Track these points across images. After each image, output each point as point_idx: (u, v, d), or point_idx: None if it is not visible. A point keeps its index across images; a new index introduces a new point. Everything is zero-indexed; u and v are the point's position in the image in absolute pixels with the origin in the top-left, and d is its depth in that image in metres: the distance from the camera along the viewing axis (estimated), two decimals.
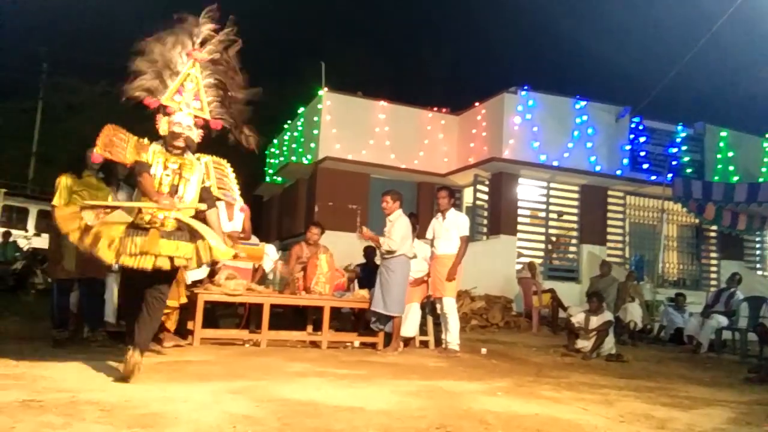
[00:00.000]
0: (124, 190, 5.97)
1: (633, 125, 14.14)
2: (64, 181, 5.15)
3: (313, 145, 14.21)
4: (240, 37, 4.25)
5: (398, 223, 6.39)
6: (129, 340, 3.87)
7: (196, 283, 6.03)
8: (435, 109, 15.00)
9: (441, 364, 5.85)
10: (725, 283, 10.34)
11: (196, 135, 4.05)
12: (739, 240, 14.59)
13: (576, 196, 13.87)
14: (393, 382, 4.40)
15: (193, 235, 3.83)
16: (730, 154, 14.94)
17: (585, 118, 13.62)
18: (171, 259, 3.74)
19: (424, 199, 14.18)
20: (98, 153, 3.87)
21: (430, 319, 7.32)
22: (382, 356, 6.10)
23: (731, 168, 14.84)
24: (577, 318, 7.60)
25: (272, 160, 18.98)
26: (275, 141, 18.68)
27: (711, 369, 6.96)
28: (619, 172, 13.76)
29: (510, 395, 4.18)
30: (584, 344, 7.32)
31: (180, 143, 3.97)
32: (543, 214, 13.85)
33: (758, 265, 15.75)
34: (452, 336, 6.58)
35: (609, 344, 7.33)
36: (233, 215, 6.37)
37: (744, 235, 13.85)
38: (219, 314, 6.93)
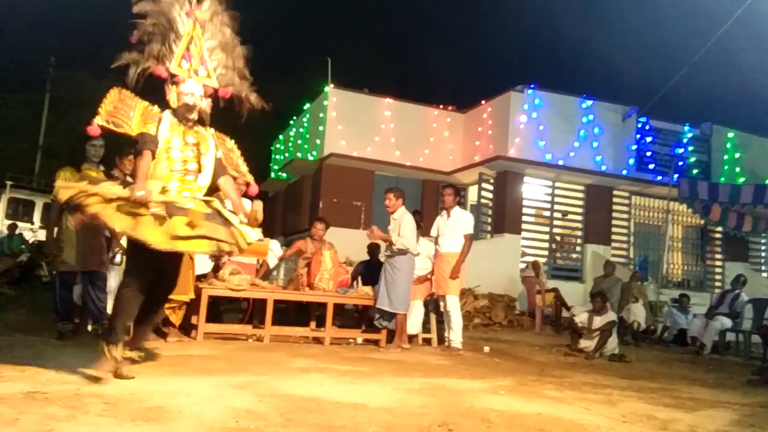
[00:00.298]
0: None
1: (639, 125, 14.07)
2: (62, 175, 5.17)
3: (318, 141, 14.22)
4: (246, 26, 4.02)
5: (405, 220, 6.42)
6: (116, 337, 3.50)
7: (200, 278, 6.06)
8: (441, 106, 14.97)
9: (444, 361, 5.85)
10: (730, 284, 10.29)
11: (208, 106, 3.73)
12: (745, 241, 14.52)
13: (581, 195, 13.83)
14: (395, 380, 4.41)
15: (225, 222, 3.45)
16: (737, 155, 14.85)
17: (591, 117, 13.56)
18: (217, 243, 3.35)
19: (428, 197, 14.17)
20: (98, 123, 3.42)
21: (433, 317, 7.32)
22: (385, 353, 6.11)
23: (738, 169, 14.76)
24: (581, 318, 7.59)
25: (277, 156, 19.00)
26: (281, 137, 18.69)
27: (714, 370, 6.94)
28: (624, 172, 13.70)
29: (512, 394, 4.18)
30: (587, 344, 7.31)
31: (193, 115, 3.64)
32: (548, 214, 13.81)
33: (763, 267, 15.68)
34: (455, 334, 6.58)
35: (612, 344, 7.32)
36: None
37: (749, 237, 13.79)
38: (223, 309, 6.95)
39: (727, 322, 9.00)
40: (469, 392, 4.12)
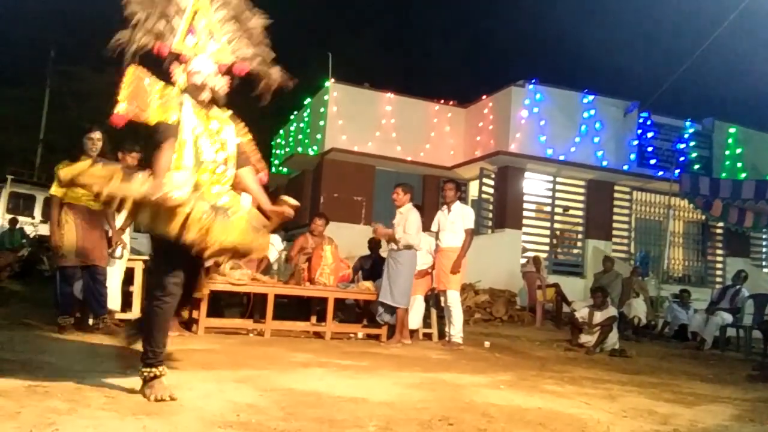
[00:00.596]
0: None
1: (641, 120, 14.05)
2: (61, 169, 5.17)
3: (319, 136, 14.21)
4: None
5: (411, 216, 6.44)
6: (158, 357, 3.04)
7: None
8: (442, 101, 14.96)
9: (444, 356, 5.85)
10: (731, 280, 10.29)
11: (223, 84, 3.22)
12: (746, 237, 14.51)
13: (582, 190, 13.82)
14: (396, 374, 4.41)
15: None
16: (739, 150, 14.83)
17: (593, 112, 13.54)
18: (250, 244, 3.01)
19: (429, 192, 14.16)
20: (122, 111, 2.99)
21: (433, 312, 7.33)
22: (386, 348, 6.12)
23: (739, 165, 14.74)
24: (581, 313, 7.59)
25: (278, 151, 18.99)
26: (281, 131, 18.67)
27: (715, 366, 6.94)
28: (626, 168, 13.69)
29: (513, 389, 4.18)
30: (588, 339, 7.32)
31: (205, 95, 3.14)
32: (549, 209, 13.81)
33: (764, 263, 15.69)
34: (456, 329, 6.58)
35: (613, 339, 7.32)
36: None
37: (750, 233, 13.76)
38: (224, 304, 6.96)
39: (728, 318, 9.00)
40: (469, 387, 4.13)
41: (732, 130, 14.96)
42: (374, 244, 8.11)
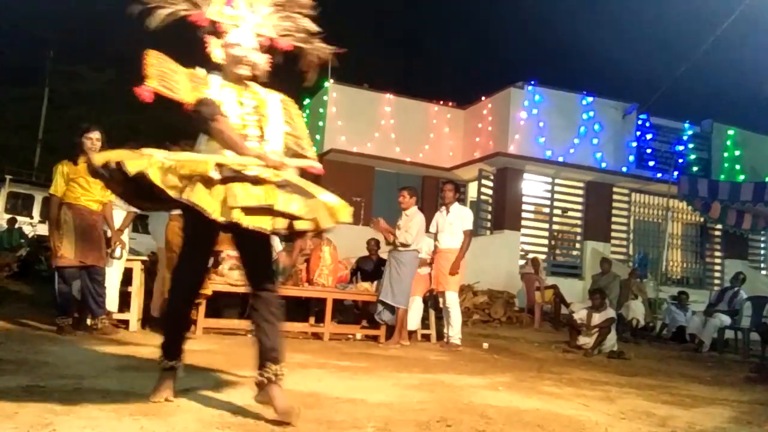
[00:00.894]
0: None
1: (640, 122, 14.05)
2: (59, 169, 5.18)
3: (318, 137, 14.20)
4: None
5: (416, 218, 6.47)
6: (176, 354, 2.96)
7: None
8: (441, 102, 14.96)
9: (442, 357, 5.85)
10: (729, 282, 10.32)
11: (264, 60, 2.95)
12: (744, 239, 14.53)
13: (581, 192, 13.84)
14: (394, 375, 4.41)
15: (303, 193, 2.66)
16: (737, 152, 14.84)
17: (591, 114, 13.55)
18: (291, 219, 2.58)
19: (428, 193, 14.16)
20: (150, 87, 2.61)
21: (432, 313, 7.33)
22: (384, 349, 6.12)
23: (738, 167, 14.74)
24: (580, 314, 7.60)
25: None
26: None
27: (713, 368, 6.95)
28: (624, 169, 13.69)
29: (511, 390, 4.18)
30: (586, 341, 7.32)
31: (245, 70, 2.87)
32: (547, 210, 13.82)
33: (762, 265, 15.71)
34: (454, 330, 6.59)
35: (611, 341, 7.32)
36: None
37: (749, 235, 13.79)
38: (222, 304, 6.95)
39: (726, 320, 9.01)
40: (467, 388, 4.13)
41: (731, 132, 14.97)
42: (373, 245, 8.11)
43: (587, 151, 13.40)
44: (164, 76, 2.68)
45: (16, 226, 13.24)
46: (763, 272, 15.35)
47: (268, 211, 2.52)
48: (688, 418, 3.75)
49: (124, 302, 5.93)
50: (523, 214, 13.34)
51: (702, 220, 13.50)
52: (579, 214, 13.90)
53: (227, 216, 2.46)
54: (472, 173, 13.89)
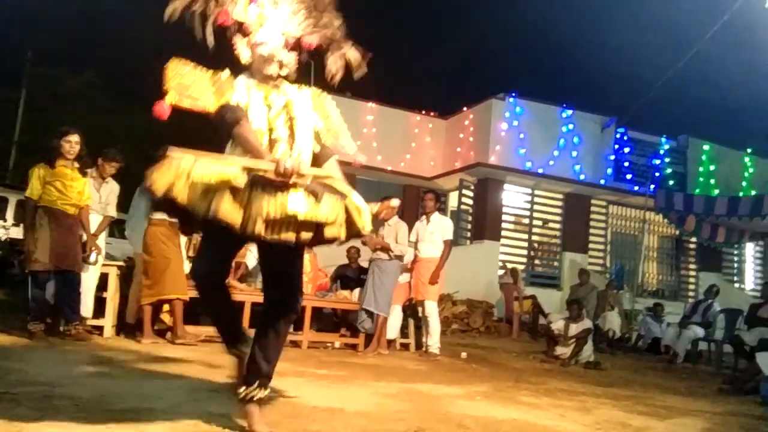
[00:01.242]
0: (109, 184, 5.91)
1: (618, 136, 14.25)
2: (36, 172, 5.10)
3: None
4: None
5: (402, 228, 6.48)
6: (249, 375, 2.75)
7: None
8: (423, 112, 15.02)
9: (421, 367, 5.85)
10: (703, 294, 10.47)
11: (292, 59, 2.86)
12: (718, 252, 14.77)
13: (560, 203, 13.98)
14: (373, 384, 4.40)
15: (335, 192, 2.65)
16: (712, 167, 15.13)
17: (571, 126, 13.71)
18: (318, 227, 2.53)
19: (409, 202, 14.17)
20: (171, 100, 2.57)
21: (411, 322, 7.32)
22: (363, 357, 6.09)
23: (712, 181, 15.03)
24: (557, 325, 7.65)
25: None
26: None
27: (687, 379, 7.04)
28: (602, 182, 13.87)
29: (489, 400, 4.19)
30: (563, 351, 7.37)
31: (274, 69, 2.78)
32: (527, 221, 13.93)
33: (735, 278, 15.99)
34: (433, 339, 6.59)
35: (588, 352, 7.39)
36: None
37: (723, 248, 14.04)
38: (200, 311, 6.87)
39: (700, 332, 9.14)
40: (445, 398, 4.13)
41: (706, 147, 15.24)
42: (354, 253, 8.09)
43: (566, 163, 13.55)
44: (184, 88, 2.62)
45: None
46: (737, 285, 15.62)
47: (293, 219, 2.47)
48: (663, 428, 3.79)
49: (99, 308, 5.83)
50: (503, 225, 13.43)
51: (677, 232, 13.71)
52: (558, 226, 14.05)
53: (251, 227, 2.41)
54: (452, 183, 13.95)
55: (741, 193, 14.15)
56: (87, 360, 4.24)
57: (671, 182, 14.48)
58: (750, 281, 16.15)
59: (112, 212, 5.88)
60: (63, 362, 4.07)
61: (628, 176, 14.17)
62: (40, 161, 5.18)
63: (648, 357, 9.66)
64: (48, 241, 5.01)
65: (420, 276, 6.73)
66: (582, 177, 13.65)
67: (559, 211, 13.99)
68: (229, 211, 2.40)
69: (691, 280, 15.21)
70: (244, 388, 2.73)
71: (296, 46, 2.90)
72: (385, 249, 6.44)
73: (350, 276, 7.85)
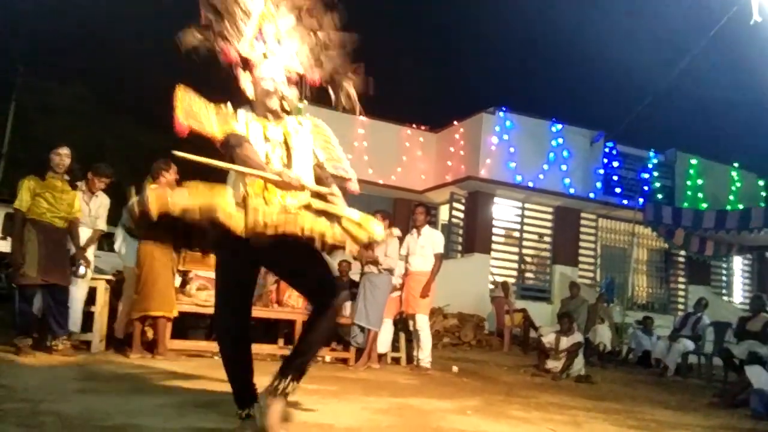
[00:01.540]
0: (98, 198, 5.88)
1: (607, 150, 14.40)
2: (26, 184, 5.07)
3: None
4: None
5: (392, 242, 6.46)
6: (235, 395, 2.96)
7: None
8: (414, 125, 15.08)
9: (412, 381, 5.82)
10: (692, 307, 10.52)
11: (294, 94, 3.02)
12: (707, 265, 14.88)
13: (550, 217, 14.05)
14: (363, 399, 4.37)
15: (328, 217, 2.78)
16: (700, 181, 15.29)
17: (561, 140, 13.82)
18: (321, 234, 2.67)
19: (400, 215, 14.18)
20: (183, 122, 2.73)
21: (402, 336, 7.30)
22: (354, 372, 6.06)
23: (700, 195, 15.18)
24: (548, 338, 7.65)
25: None
26: None
27: (677, 392, 7.05)
28: (592, 195, 13.97)
29: (480, 414, 4.18)
30: (554, 364, 7.36)
31: (275, 103, 2.92)
32: (517, 234, 13.98)
33: (724, 291, 16.09)
34: (424, 353, 6.57)
35: (579, 365, 7.38)
36: None
37: (711, 261, 14.14)
38: (188, 325, 6.81)
39: (690, 345, 9.17)
40: (437, 412, 4.11)
41: (693, 161, 15.42)
42: (345, 266, 8.07)
43: (556, 176, 13.64)
44: (192, 113, 2.74)
45: None
46: (725, 298, 15.72)
47: (294, 218, 2.61)
48: None
49: (88, 322, 5.77)
50: (494, 238, 13.48)
51: (666, 246, 13.81)
52: (548, 239, 14.11)
53: (254, 228, 2.53)
54: (443, 196, 13.99)
55: (728, 207, 14.31)
56: (74, 375, 4.19)
57: (659, 196, 14.61)
58: (738, 294, 16.25)
59: (102, 226, 5.85)
60: (50, 377, 4.02)
61: (617, 190, 14.29)
62: (30, 174, 5.16)
63: (638, 370, 9.67)
64: (36, 255, 4.97)
65: (411, 289, 6.72)
66: (571, 191, 13.74)
67: (549, 224, 14.06)
68: (229, 215, 2.53)
69: (681, 293, 15.30)
70: (278, 380, 2.82)
71: (298, 81, 3.06)
72: (374, 262, 6.44)
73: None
